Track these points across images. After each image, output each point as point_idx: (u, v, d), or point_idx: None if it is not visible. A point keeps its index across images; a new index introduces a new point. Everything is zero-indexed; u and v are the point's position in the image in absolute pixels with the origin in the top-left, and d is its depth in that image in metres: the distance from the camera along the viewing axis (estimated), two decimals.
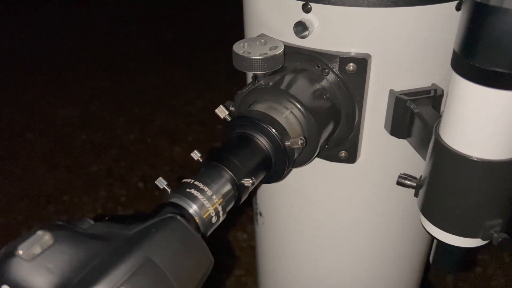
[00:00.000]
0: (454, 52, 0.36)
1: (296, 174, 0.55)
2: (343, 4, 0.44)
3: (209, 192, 0.37)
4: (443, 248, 0.45)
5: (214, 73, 2.69)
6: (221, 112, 0.45)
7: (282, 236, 0.65)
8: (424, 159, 0.46)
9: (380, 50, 0.46)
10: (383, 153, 0.52)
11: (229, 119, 0.45)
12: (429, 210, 0.43)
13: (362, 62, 0.45)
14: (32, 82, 2.66)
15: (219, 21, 3.29)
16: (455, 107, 0.37)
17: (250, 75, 0.55)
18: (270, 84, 0.46)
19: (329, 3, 0.45)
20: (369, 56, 0.46)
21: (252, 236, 1.75)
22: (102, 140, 2.19)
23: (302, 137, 0.41)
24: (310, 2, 0.45)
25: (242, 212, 1.82)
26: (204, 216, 0.36)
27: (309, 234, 0.61)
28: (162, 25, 3.42)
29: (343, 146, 0.51)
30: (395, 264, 0.64)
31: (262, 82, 0.48)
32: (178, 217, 0.30)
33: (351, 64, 0.46)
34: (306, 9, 0.46)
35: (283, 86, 0.46)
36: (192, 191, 0.36)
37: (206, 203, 0.37)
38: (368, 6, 0.44)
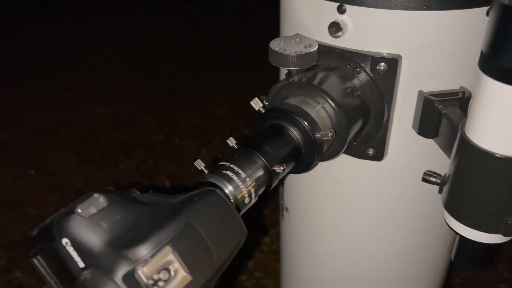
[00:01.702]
0: (481, 52, 0.37)
1: (322, 169, 0.58)
2: (377, 6, 0.46)
3: (243, 175, 0.40)
4: (465, 244, 0.46)
5: (246, 79, 2.73)
6: (256, 104, 0.48)
7: (307, 231, 0.67)
8: (449, 158, 0.48)
9: (411, 51, 0.48)
10: (410, 152, 0.53)
11: (263, 111, 0.47)
12: (452, 205, 0.44)
13: (393, 62, 0.48)
14: (71, 81, 2.76)
15: (255, 28, 3.34)
16: (480, 105, 0.38)
17: (283, 73, 0.58)
18: (304, 79, 0.49)
19: (363, 5, 0.47)
20: (399, 56, 0.48)
21: (273, 239, 1.77)
22: (132, 138, 2.26)
23: (332, 130, 0.44)
24: (345, 3, 0.48)
25: (264, 216, 1.85)
26: (239, 197, 0.39)
27: (333, 230, 0.63)
28: (198, 30, 3.50)
29: (370, 144, 0.53)
30: (420, 260, 0.65)
31: (295, 78, 0.50)
32: (217, 190, 0.33)
33: (382, 64, 0.48)
34: (341, 10, 0.48)
35: (315, 82, 0.49)
36: (228, 173, 0.39)
37: (240, 184, 0.39)
38: (401, 8, 0.46)
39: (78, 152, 2.16)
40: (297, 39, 0.50)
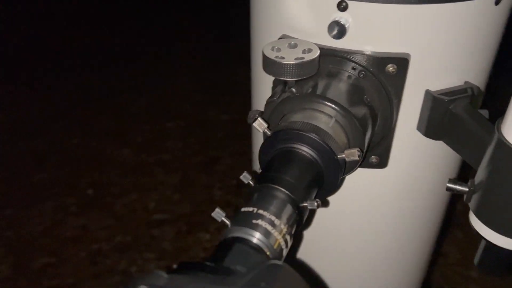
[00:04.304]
0: None
1: None
2: (384, 1, 0.41)
3: (275, 221, 0.33)
4: (490, 250, 0.44)
5: (155, 70, 2.58)
6: (260, 125, 0.40)
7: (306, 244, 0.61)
8: (465, 158, 0.45)
9: (420, 48, 0.43)
10: (413, 155, 0.50)
11: (268, 132, 0.40)
12: (483, 210, 0.41)
13: (403, 62, 0.43)
14: None
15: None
16: None
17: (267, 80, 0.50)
18: (309, 90, 0.42)
19: (368, 0, 0.41)
20: (408, 55, 0.43)
21: (214, 236, 1.70)
22: (42, 146, 2.03)
23: (359, 149, 0.38)
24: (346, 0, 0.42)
25: (202, 211, 1.77)
26: (275, 247, 0.32)
27: (333, 244, 0.58)
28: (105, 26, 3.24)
29: (374, 151, 0.48)
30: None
31: (293, 89, 0.43)
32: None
33: (392, 65, 0.43)
34: (341, 7, 0.42)
35: (321, 92, 0.42)
36: (259, 222, 0.32)
37: (274, 232, 0.32)
38: (409, 3, 0.41)
39: None
40: (292, 43, 0.43)
